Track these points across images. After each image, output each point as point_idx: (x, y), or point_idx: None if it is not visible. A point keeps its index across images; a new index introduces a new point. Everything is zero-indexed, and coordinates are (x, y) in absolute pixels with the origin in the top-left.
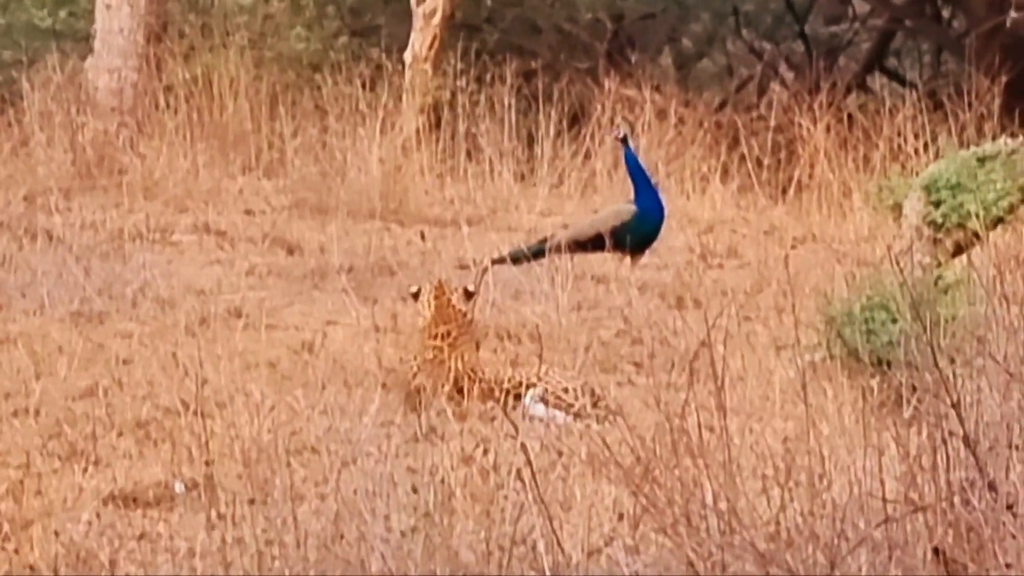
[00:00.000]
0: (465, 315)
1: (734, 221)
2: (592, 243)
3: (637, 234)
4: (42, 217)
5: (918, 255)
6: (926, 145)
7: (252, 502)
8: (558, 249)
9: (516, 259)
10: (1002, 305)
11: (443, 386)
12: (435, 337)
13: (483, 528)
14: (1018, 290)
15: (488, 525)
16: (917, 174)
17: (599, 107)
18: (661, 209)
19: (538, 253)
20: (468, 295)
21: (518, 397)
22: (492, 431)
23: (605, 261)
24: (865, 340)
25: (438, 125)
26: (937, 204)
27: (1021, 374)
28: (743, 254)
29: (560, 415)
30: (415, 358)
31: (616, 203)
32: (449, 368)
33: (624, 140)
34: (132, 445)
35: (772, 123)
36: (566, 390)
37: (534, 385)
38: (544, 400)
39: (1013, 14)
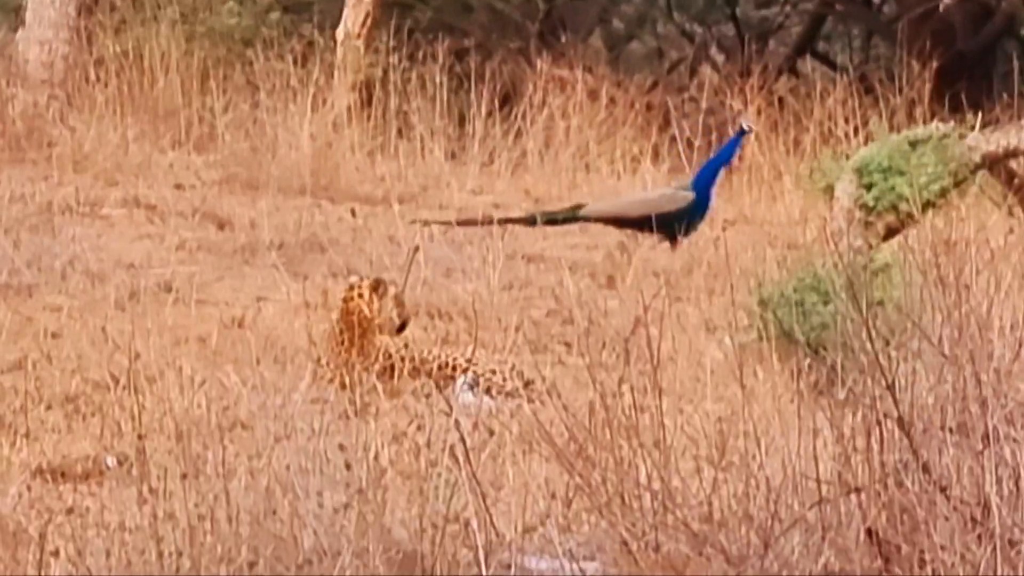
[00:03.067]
0: (370, 318)
1: None
2: (637, 223)
3: (688, 222)
4: None
5: (850, 237)
6: (856, 129)
7: (184, 477)
8: (594, 219)
9: (547, 222)
10: (937, 288)
11: (373, 364)
12: (339, 343)
13: (416, 505)
14: (953, 274)
15: (421, 503)
16: (848, 158)
17: (531, 87)
18: (709, 203)
19: (568, 219)
20: (376, 288)
21: (449, 377)
22: (424, 409)
23: (536, 240)
24: (797, 322)
25: (370, 102)
26: (869, 187)
27: (955, 357)
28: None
29: (490, 401)
30: (327, 361)
31: (557, 179)
32: (378, 347)
33: (742, 133)
34: (61, 419)
35: (703, 105)
36: (494, 372)
37: (465, 370)
38: (473, 386)
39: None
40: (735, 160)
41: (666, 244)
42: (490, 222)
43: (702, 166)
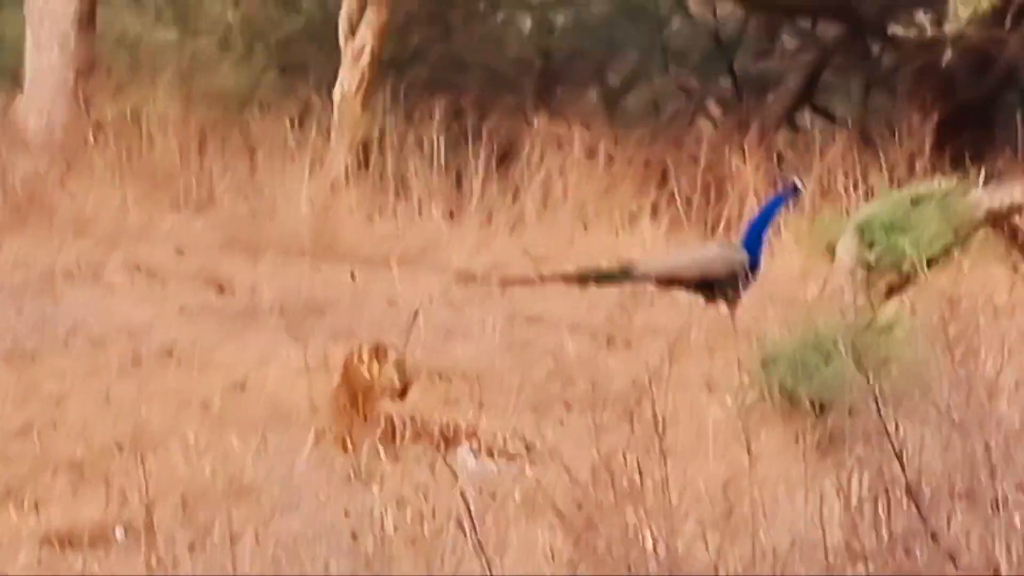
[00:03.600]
0: (371, 383)
1: None
2: (691, 284)
3: (741, 283)
4: None
5: (851, 296)
6: (856, 183)
7: (192, 546)
8: (647, 279)
9: (599, 279)
10: (945, 353)
11: (375, 428)
12: (343, 407)
13: (422, 573)
14: (959, 335)
15: (427, 570)
16: (848, 213)
17: (528, 144)
18: (759, 262)
19: (621, 278)
20: (377, 352)
21: (451, 441)
22: (426, 474)
23: (536, 301)
24: (800, 382)
25: (367, 163)
26: (871, 244)
27: (963, 422)
28: (673, 294)
29: (493, 465)
30: (329, 427)
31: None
32: (379, 411)
33: (794, 190)
34: (67, 486)
35: (701, 161)
36: (496, 435)
37: (468, 433)
38: (475, 450)
39: (948, 53)
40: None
41: (705, 303)
42: (536, 281)
43: (751, 223)
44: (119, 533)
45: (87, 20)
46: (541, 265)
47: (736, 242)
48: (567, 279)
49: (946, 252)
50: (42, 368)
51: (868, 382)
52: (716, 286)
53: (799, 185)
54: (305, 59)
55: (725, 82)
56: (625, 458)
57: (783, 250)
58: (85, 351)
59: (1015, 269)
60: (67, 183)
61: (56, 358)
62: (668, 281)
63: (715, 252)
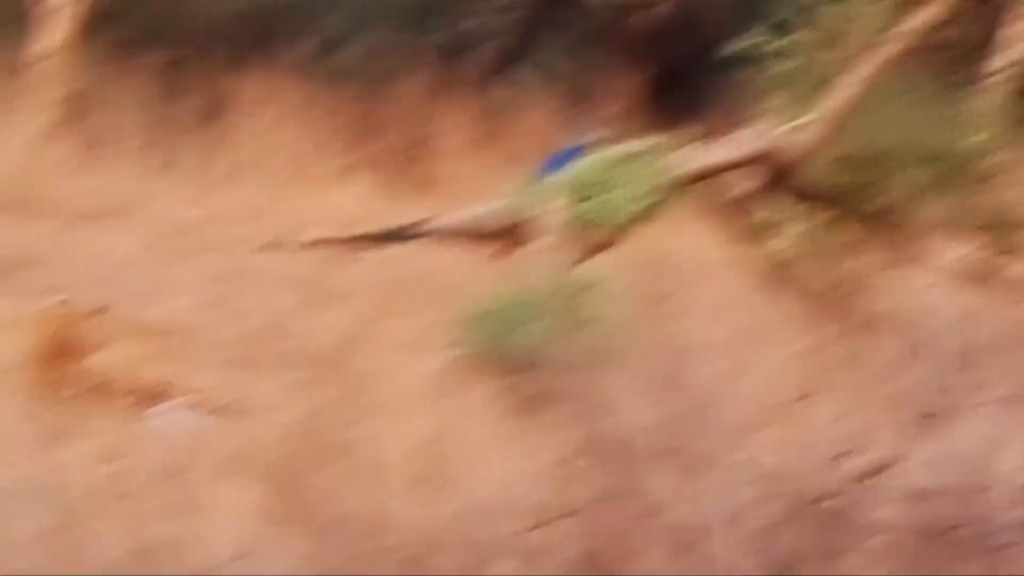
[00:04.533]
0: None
1: (382, 214)
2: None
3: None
4: None
5: (559, 253)
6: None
7: None
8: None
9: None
10: (650, 310)
11: (81, 384)
12: (46, 363)
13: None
14: (665, 293)
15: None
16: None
17: (242, 97)
18: None
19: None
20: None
21: (157, 396)
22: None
23: (248, 255)
24: (506, 338)
25: (79, 117)
26: (579, 201)
27: (670, 378)
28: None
29: (199, 419)
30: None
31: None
32: (84, 369)
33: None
34: None
35: (416, 117)
36: (203, 390)
37: (165, 391)
38: (180, 406)
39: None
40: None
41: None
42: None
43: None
44: None
45: None
46: (254, 219)
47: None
48: (375, 239)
49: (651, 210)
50: None
51: (574, 339)
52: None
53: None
54: (3, 13)
55: (440, 37)
56: (326, 413)
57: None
58: None
59: (722, 227)
60: None
61: None
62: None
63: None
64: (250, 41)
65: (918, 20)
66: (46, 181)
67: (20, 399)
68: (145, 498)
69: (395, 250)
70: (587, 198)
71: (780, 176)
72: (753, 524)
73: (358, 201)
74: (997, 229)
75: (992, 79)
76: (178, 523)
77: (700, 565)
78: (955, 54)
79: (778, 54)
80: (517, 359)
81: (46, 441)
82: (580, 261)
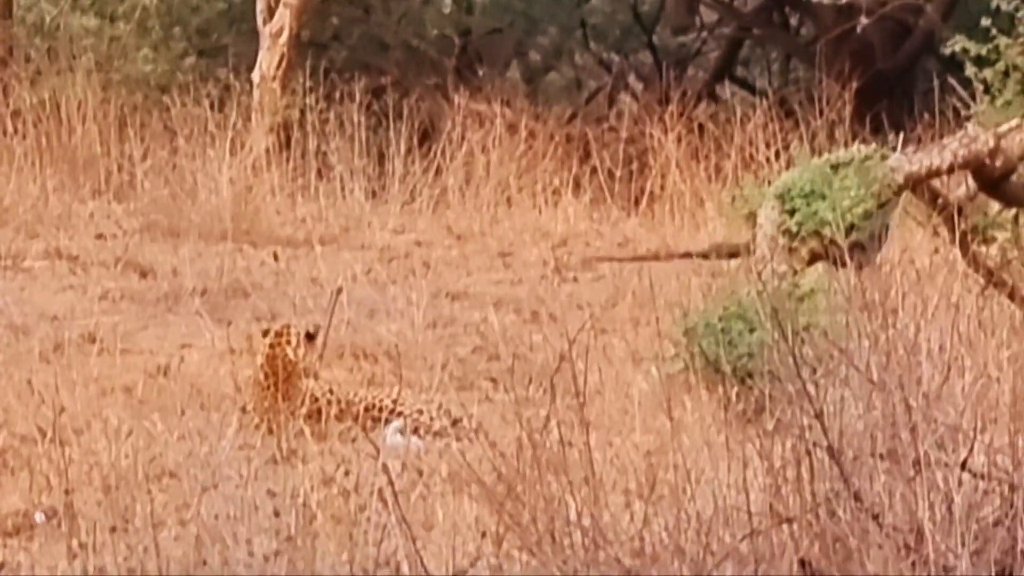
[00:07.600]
0: (295, 364)
1: (587, 234)
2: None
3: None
4: None
5: (774, 264)
6: (778, 153)
7: (113, 530)
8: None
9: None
10: (864, 314)
11: (300, 407)
12: (265, 388)
13: (346, 550)
14: (880, 299)
15: (351, 547)
16: (770, 183)
17: (449, 123)
18: None
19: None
20: (310, 338)
21: (375, 419)
22: (351, 452)
23: (460, 277)
24: (723, 350)
25: (288, 144)
26: (792, 212)
27: (883, 383)
28: (597, 267)
29: (418, 442)
30: (253, 407)
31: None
32: (304, 391)
33: None
34: None
35: (623, 135)
36: (421, 411)
37: (392, 411)
38: (400, 427)
39: (864, 20)
40: None
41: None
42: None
43: None
44: (39, 517)
45: (2, 7)
46: (465, 242)
47: None
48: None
49: (866, 218)
50: None
51: (790, 348)
52: None
53: None
54: (224, 42)
55: (645, 57)
56: (546, 428)
57: (705, 220)
58: (6, 339)
59: (935, 233)
60: None
61: None
62: None
63: None
64: (455, 67)
65: None
66: (261, 209)
67: (242, 424)
68: (368, 518)
69: (607, 268)
70: (800, 209)
71: (989, 181)
72: (970, 526)
73: (568, 221)
74: None
75: None
76: (401, 542)
77: (916, 568)
78: None
79: (982, 61)
80: (736, 370)
81: (265, 466)
82: (798, 271)
